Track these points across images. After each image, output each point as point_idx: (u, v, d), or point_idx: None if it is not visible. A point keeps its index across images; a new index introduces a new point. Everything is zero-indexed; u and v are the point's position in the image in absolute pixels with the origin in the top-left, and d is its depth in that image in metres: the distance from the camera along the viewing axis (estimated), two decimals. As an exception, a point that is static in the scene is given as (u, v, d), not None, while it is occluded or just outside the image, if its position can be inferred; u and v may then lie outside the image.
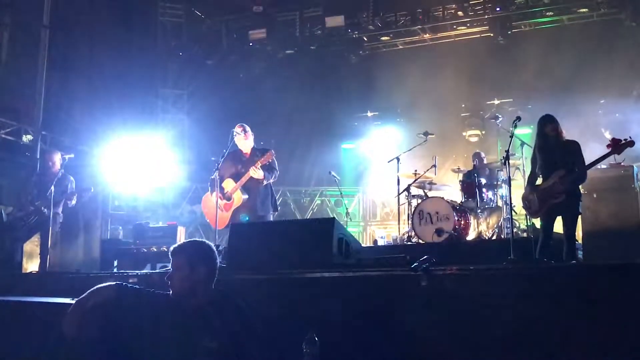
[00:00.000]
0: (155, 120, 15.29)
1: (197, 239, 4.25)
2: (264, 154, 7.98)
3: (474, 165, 10.65)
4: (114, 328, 3.81)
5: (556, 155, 7.31)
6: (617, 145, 6.91)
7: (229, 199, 8.03)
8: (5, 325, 5.24)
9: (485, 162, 10.70)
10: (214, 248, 4.15)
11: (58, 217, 9.23)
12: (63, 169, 9.41)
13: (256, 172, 7.85)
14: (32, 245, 9.65)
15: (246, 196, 8.02)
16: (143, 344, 3.81)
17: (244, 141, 8.21)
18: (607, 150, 6.99)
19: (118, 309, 3.83)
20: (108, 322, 3.81)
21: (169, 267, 4.03)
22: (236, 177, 8.05)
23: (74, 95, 13.35)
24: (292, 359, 4.03)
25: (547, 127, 7.42)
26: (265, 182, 8.07)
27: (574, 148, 7.30)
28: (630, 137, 6.96)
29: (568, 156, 7.22)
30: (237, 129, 8.14)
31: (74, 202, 9.35)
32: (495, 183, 10.11)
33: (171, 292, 3.94)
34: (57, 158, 9.63)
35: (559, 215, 7.27)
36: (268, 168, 8.03)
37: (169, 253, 4.04)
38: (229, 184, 8.05)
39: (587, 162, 7.17)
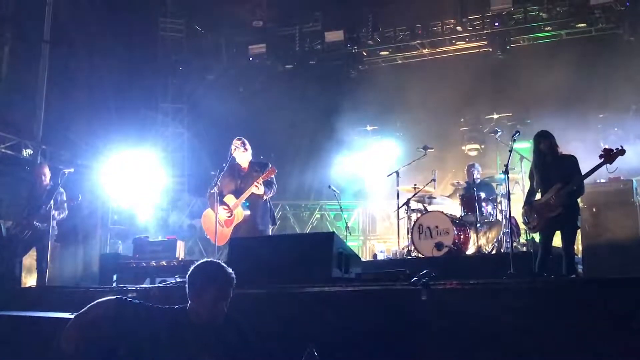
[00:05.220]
0: (155, 134, 15.31)
1: (207, 260, 4.15)
2: (264, 169, 7.99)
3: (474, 179, 10.61)
4: (112, 343, 3.80)
5: (552, 170, 7.33)
6: (609, 155, 6.94)
7: (230, 214, 8.02)
8: (5, 339, 5.23)
9: (477, 175, 10.64)
10: (222, 267, 4.07)
11: (53, 231, 9.21)
12: (52, 182, 9.42)
13: (258, 189, 7.86)
14: (31, 260, 9.65)
15: (248, 212, 8.02)
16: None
17: (243, 155, 8.21)
18: (600, 161, 7.03)
19: (117, 324, 3.81)
20: (107, 337, 3.80)
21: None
22: (236, 193, 8.04)
23: (74, 110, 13.37)
24: (291, 374, 4.02)
25: (542, 145, 7.47)
26: (265, 198, 8.08)
27: (571, 162, 7.33)
28: (621, 146, 6.99)
29: (565, 170, 7.24)
30: (236, 143, 8.16)
31: (62, 215, 9.31)
32: (493, 197, 10.12)
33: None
34: (47, 171, 9.63)
35: (557, 229, 7.28)
36: (267, 183, 8.04)
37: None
38: (230, 200, 8.04)
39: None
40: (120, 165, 12.68)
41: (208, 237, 8.42)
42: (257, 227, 8.07)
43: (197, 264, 4.05)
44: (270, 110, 14.55)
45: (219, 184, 7.88)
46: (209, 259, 4.13)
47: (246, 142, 8.26)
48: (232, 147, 8.14)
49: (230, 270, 4.03)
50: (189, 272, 4.01)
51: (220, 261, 4.14)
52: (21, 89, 12.78)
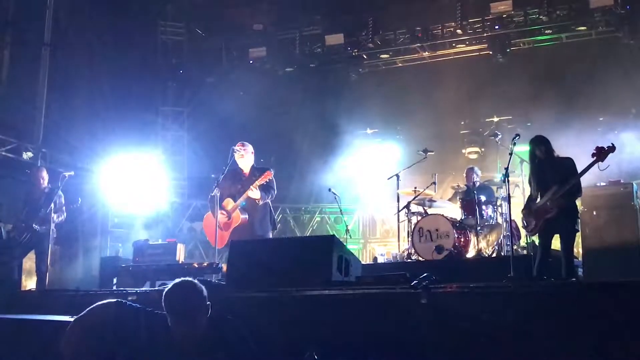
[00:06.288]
0: (155, 137, 15.32)
1: (178, 285, 3.96)
2: (263, 174, 7.98)
3: (474, 182, 10.61)
4: (111, 347, 3.79)
5: (549, 173, 7.37)
6: (600, 153, 6.98)
7: (228, 217, 8.03)
8: (5, 343, 5.22)
9: (476, 179, 10.65)
10: (186, 298, 3.93)
11: (52, 234, 9.22)
12: (51, 185, 9.44)
13: (253, 193, 7.85)
14: (31, 263, 9.65)
15: (245, 216, 8.01)
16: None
17: (243, 159, 8.21)
18: (592, 160, 7.06)
19: (117, 328, 3.80)
20: (106, 341, 3.79)
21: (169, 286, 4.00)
22: (235, 197, 8.05)
23: (74, 113, 13.39)
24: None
25: (537, 150, 7.52)
26: (261, 202, 8.06)
27: (568, 164, 7.35)
28: (612, 144, 7.03)
29: (561, 172, 7.26)
30: (238, 147, 8.15)
31: (61, 218, 9.32)
32: (493, 200, 10.13)
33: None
34: (45, 174, 9.65)
35: (555, 232, 7.29)
36: (265, 188, 8.02)
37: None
38: (228, 203, 8.05)
39: (583, 178, 7.21)
40: (121, 169, 12.70)
41: (209, 239, 8.45)
42: (255, 232, 8.08)
43: (169, 286, 3.94)
44: (270, 113, 14.57)
45: (218, 187, 7.88)
46: (183, 281, 3.98)
47: (248, 146, 8.26)
48: (233, 150, 8.14)
49: (197, 296, 3.88)
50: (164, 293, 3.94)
51: (195, 281, 3.99)
52: (21, 92, 12.79)
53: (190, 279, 4.05)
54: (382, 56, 15.00)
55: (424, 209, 10.55)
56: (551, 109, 12.45)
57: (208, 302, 3.93)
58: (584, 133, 11.60)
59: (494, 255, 9.78)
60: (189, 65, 16.04)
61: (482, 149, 14.54)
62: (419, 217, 10.20)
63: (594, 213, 8.61)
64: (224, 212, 8.02)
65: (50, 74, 12.38)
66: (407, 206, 10.55)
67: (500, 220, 9.96)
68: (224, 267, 6.74)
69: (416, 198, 10.47)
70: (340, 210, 12.06)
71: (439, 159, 12.86)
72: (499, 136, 10.99)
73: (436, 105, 13.71)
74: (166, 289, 3.92)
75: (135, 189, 13.04)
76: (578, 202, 7.72)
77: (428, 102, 13.67)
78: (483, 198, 10.03)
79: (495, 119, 14.41)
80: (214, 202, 7.88)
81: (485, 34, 13.68)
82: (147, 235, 12.35)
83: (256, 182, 7.84)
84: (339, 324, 4.81)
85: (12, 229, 9.56)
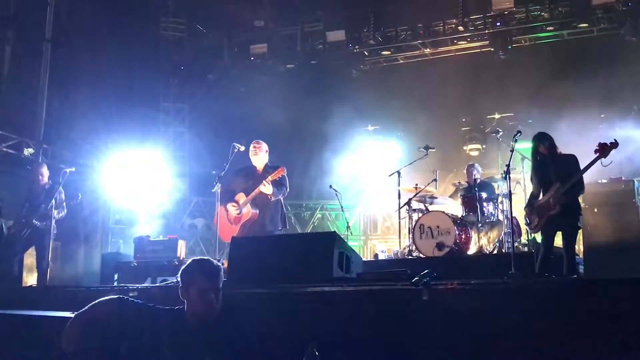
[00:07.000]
0: (157, 133, 15.33)
1: (193, 258, 4.13)
2: (276, 170, 8.06)
3: (475, 179, 10.61)
4: (113, 343, 3.78)
5: (552, 170, 7.35)
6: (603, 149, 6.97)
7: (239, 212, 8.11)
8: (5, 339, 5.23)
9: (477, 175, 10.64)
10: (207, 259, 4.07)
11: (53, 230, 9.23)
12: (52, 181, 9.45)
13: (265, 188, 7.91)
14: (32, 259, 9.66)
15: (256, 211, 8.10)
16: (143, 360, 3.77)
17: (257, 157, 8.34)
18: (595, 156, 7.05)
19: (119, 324, 3.79)
20: (108, 337, 3.78)
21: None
22: (247, 192, 8.14)
23: (76, 109, 13.39)
24: (292, 374, 4.02)
25: (540, 147, 7.50)
26: (273, 198, 8.11)
27: (570, 161, 7.34)
28: (614, 140, 7.01)
29: (564, 169, 7.25)
30: (252, 145, 8.34)
31: (61, 214, 9.33)
32: (494, 197, 10.12)
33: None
34: (45, 170, 9.67)
35: (558, 230, 7.28)
36: (277, 184, 8.10)
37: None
38: (240, 198, 8.15)
39: (584, 175, 7.20)
40: (122, 165, 12.71)
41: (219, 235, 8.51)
42: (265, 227, 8.14)
43: (189, 262, 4.04)
44: (271, 109, 14.53)
45: (232, 183, 7.99)
46: (196, 257, 4.10)
47: (262, 144, 8.43)
48: (233, 147, 8.24)
49: (216, 262, 4.01)
50: (178, 273, 3.99)
51: (207, 257, 4.12)
52: (23, 88, 12.80)
53: None
54: (384, 53, 15.00)
55: (425, 205, 10.55)
56: (552, 106, 12.44)
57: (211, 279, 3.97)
58: (585, 130, 11.57)
59: (495, 252, 9.78)
60: (190, 61, 16.06)
61: (484, 146, 14.54)
62: (420, 214, 10.21)
63: (596, 210, 8.64)
64: (235, 205, 8.12)
65: (51, 70, 12.37)
66: (408, 203, 10.55)
67: (501, 217, 9.96)
68: (225, 263, 6.74)
69: (417, 195, 10.48)
70: (341, 207, 12.05)
71: (440, 156, 12.86)
72: (500, 133, 10.99)
73: (437, 102, 13.71)
74: (187, 264, 3.99)
75: (136, 185, 13.04)
76: (580, 199, 7.70)
77: (429, 99, 13.66)
78: (484, 195, 10.03)
79: (497, 116, 14.40)
80: (222, 198, 7.99)
81: (486, 31, 13.67)
82: (148, 232, 12.37)
83: (269, 177, 7.91)
84: (339, 320, 4.80)
85: (12, 225, 9.58)
